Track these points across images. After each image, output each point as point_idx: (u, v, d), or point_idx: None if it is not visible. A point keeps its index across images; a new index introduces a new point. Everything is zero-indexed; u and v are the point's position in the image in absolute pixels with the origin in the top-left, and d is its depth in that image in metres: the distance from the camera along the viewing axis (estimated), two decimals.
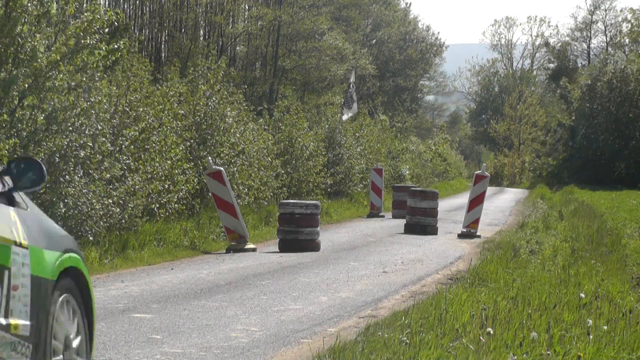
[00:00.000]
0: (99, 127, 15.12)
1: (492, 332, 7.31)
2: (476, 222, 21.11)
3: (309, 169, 28.67)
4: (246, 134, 23.42)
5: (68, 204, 14.00)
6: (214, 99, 21.76)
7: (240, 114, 23.79)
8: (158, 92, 20.09)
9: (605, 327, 7.65)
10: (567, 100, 61.10)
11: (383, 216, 27.80)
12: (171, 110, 20.00)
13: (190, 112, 21.25)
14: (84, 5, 14.66)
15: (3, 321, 4.52)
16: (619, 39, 74.64)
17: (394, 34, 69.60)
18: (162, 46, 39.57)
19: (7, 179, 5.01)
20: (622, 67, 55.07)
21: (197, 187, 19.93)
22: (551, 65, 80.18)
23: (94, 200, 14.44)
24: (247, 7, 43.33)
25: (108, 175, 15.25)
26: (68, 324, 5.20)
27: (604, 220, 21.88)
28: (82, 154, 14.40)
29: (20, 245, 4.73)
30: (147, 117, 17.57)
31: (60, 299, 5.10)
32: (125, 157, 16.31)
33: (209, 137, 21.35)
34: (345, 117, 33.10)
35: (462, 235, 20.95)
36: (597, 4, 78.17)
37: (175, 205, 18.41)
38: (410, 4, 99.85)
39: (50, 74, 13.53)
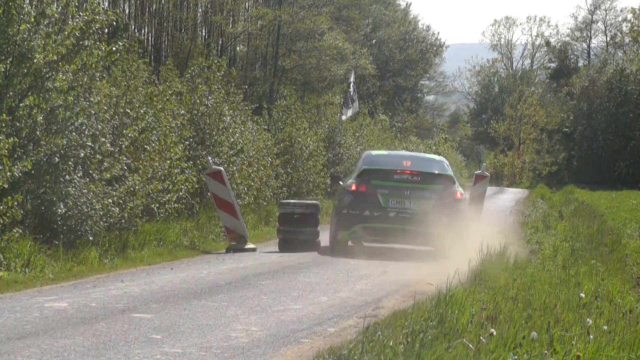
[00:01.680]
0: (99, 127, 15.10)
1: (492, 332, 7.31)
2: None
3: (308, 169, 28.64)
4: (245, 134, 23.41)
5: (68, 204, 13.99)
6: (210, 97, 21.72)
7: (239, 114, 23.77)
8: (157, 92, 20.07)
9: (605, 327, 7.64)
10: (572, 98, 61.03)
11: None
12: (170, 109, 19.98)
13: (189, 111, 21.22)
14: (84, 5, 14.58)
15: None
16: (619, 38, 74.64)
17: (394, 34, 69.64)
18: (162, 46, 39.54)
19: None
20: (622, 67, 55.06)
21: (197, 186, 19.91)
22: (552, 65, 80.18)
23: (93, 200, 14.42)
24: (247, 8, 43.32)
25: (108, 175, 15.23)
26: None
27: (604, 220, 21.87)
28: (82, 154, 14.39)
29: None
30: (147, 117, 17.54)
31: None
32: (125, 158, 16.29)
33: (207, 136, 21.33)
34: (344, 117, 33.09)
35: None
36: (598, 4, 78.21)
37: (175, 204, 18.39)
38: (410, 4, 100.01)
39: (49, 74, 13.50)
